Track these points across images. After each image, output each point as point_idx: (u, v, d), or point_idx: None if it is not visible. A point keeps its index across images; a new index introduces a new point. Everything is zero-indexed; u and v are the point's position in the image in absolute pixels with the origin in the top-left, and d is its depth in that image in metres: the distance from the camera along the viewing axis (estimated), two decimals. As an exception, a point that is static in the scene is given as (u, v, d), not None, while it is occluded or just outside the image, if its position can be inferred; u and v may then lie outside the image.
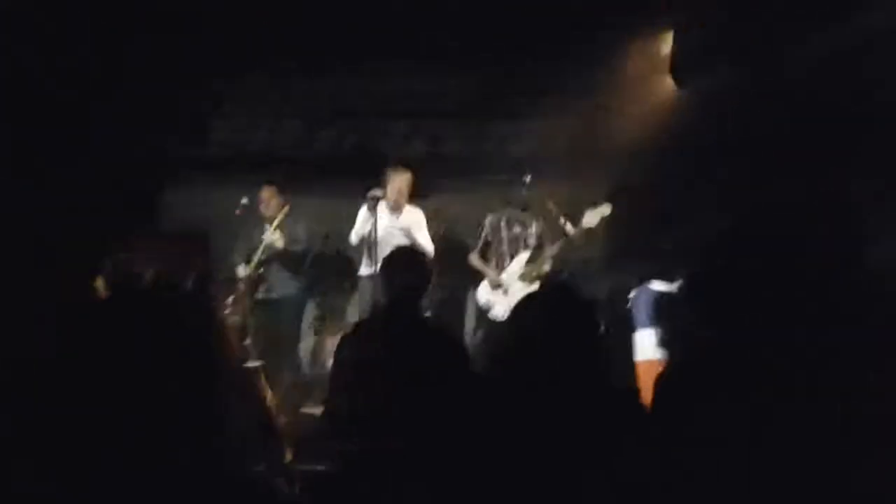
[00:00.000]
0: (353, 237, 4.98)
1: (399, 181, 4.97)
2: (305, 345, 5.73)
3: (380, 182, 4.92)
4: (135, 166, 5.48)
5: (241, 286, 5.21)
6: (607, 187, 5.46)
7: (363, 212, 4.86)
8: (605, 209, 4.86)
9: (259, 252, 5.22)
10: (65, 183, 4.62)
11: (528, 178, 5.07)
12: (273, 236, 5.17)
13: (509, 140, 6.54)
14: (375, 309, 3.93)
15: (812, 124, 4.00)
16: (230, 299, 5.05)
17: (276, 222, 5.21)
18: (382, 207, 4.81)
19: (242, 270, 5.26)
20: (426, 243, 4.94)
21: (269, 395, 3.98)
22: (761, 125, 4.46)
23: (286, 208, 5.26)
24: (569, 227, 4.84)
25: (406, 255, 2.98)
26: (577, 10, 5.02)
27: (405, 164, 5.13)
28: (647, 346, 4.15)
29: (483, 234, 5.24)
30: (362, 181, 5.00)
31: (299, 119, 6.29)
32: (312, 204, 5.65)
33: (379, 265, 3.05)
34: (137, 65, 5.25)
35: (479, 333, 5.29)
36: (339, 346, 2.82)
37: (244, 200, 5.31)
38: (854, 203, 1.29)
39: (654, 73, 5.39)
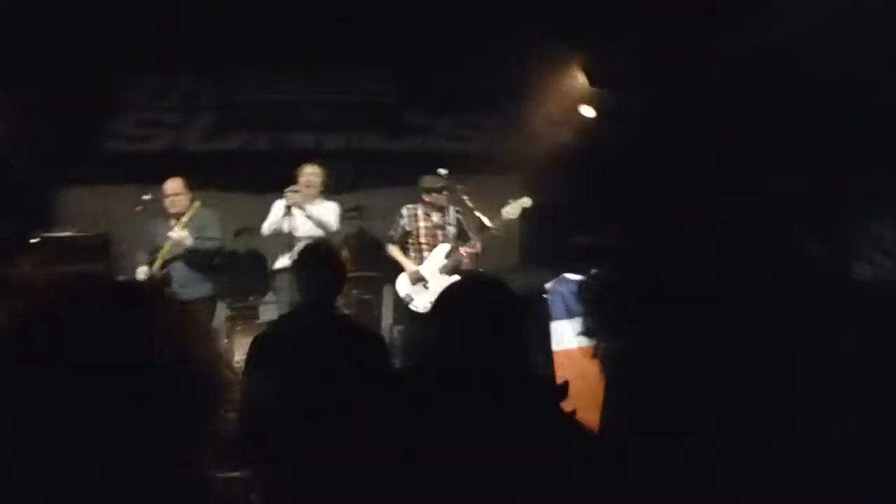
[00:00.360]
0: (266, 228, 4.86)
1: (310, 174, 4.85)
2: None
3: (294, 180, 4.80)
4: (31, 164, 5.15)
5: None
6: (521, 185, 5.56)
7: (277, 204, 4.77)
8: (526, 201, 4.89)
9: (164, 250, 4.83)
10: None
11: (443, 172, 5.00)
12: (181, 234, 4.79)
13: (426, 135, 6.55)
14: (291, 307, 3.79)
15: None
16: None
17: (184, 219, 4.82)
18: (296, 200, 4.73)
19: (144, 272, 4.86)
20: (333, 227, 4.88)
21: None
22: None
23: (196, 204, 4.92)
24: (486, 221, 4.83)
25: (321, 250, 2.85)
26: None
27: (317, 159, 5.03)
28: (565, 336, 4.20)
29: (401, 225, 5.08)
30: (273, 177, 4.87)
31: (209, 113, 6.08)
32: (222, 200, 5.41)
33: (293, 260, 2.94)
34: (41, 57, 4.94)
35: (399, 327, 5.20)
36: (253, 348, 2.69)
37: (146, 196, 4.96)
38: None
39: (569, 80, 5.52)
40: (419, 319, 4.75)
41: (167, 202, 4.93)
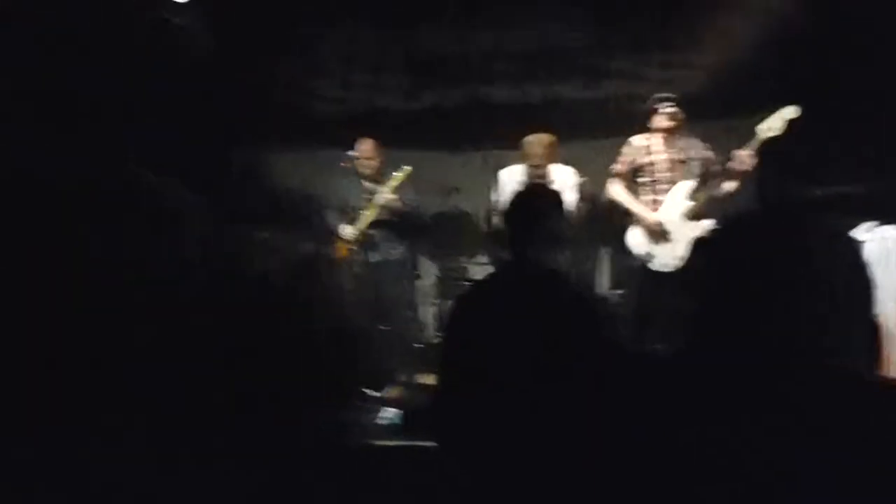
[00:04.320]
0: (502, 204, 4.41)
1: (537, 145, 4.55)
2: (425, 310, 5.40)
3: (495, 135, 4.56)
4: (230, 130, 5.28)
5: (344, 248, 4.89)
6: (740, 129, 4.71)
7: (506, 174, 4.63)
8: (790, 112, 3.83)
9: (370, 212, 4.87)
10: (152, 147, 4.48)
11: (666, 97, 4.24)
12: (389, 196, 4.82)
13: (630, 80, 5.94)
14: (501, 264, 3.48)
15: None
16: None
17: (393, 182, 4.83)
18: (521, 172, 4.57)
19: (349, 231, 4.92)
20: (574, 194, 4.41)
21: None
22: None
23: (407, 169, 4.86)
24: (736, 156, 3.87)
25: (535, 197, 2.48)
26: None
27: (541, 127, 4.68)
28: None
29: (629, 157, 4.30)
30: (474, 136, 4.66)
31: (402, 73, 5.93)
32: (422, 159, 5.23)
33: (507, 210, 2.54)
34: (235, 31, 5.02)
35: (620, 292, 4.56)
36: (457, 306, 2.38)
37: (351, 152, 4.98)
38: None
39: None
40: (663, 281, 4.03)
41: (360, 164, 4.94)
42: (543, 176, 4.47)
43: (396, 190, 4.83)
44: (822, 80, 4.49)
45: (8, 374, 0.91)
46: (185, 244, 1.29)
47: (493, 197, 4.60)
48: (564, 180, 4.43)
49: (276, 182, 5.50)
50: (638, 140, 4.30)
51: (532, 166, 4.51)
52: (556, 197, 2.52)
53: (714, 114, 4.91)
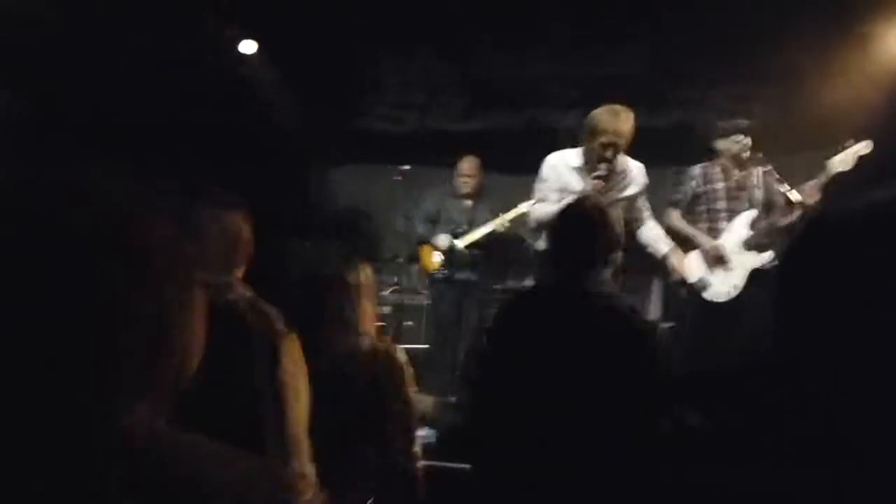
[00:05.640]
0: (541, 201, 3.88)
1: (611, 118, 3.52)
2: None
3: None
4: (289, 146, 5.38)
5: (433, 258, 4.80)
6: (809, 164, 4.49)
7: (556, 159, 3.75)
8: (864, 147, 3.68)
9: (481, 232, 4.77)
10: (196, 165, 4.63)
11: (741, 124, 4.07)
12: (505, 224, 4.70)
13: (692, 108, 5.81)
14: (542, 279, 3.31)
15: None
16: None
17: (512, 214, 4.69)
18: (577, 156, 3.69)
19: (446, 241, 4.81)
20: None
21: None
22: None
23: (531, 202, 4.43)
24: (793, 194, 3.71)
25: (581, 211, 2.21)
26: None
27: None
28: None
29: (690, 186, 4.12)
30: (523, 157, 4.58)
31: (462, 96, 5.94)
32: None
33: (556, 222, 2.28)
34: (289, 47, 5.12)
35: (670, 325, 4.38)
36: (494, 322, 2.25)
37: (405, 167, 5.09)
38: None
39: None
40: (715, 312, 3.87)
41: (461, 181, 4.89)
42: (613, 168, 3.52)
43: (515, 220, 4.69)
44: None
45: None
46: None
47: (537, 189, 3.74)
48: (638, 178, 3.70)
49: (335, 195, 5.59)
50: (697, 169, 4.18)
51: (603, 146, 3.42)
52: (602, 208, 2.18)
53: (783, 146, 4.76)
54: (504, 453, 2.01)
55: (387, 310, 5.09)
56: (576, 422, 1.84)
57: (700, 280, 3.93)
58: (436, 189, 5.00)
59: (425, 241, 4.87)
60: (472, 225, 4.83)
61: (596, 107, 3.55)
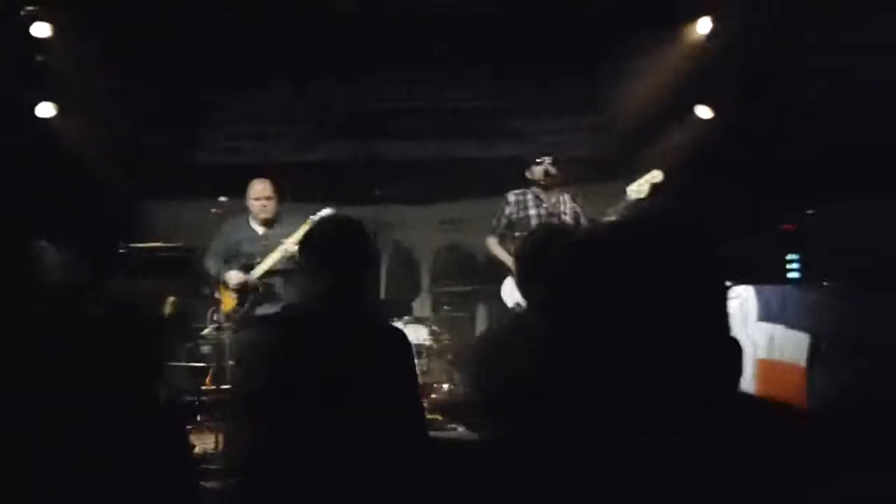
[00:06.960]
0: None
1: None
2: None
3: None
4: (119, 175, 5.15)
5: (232, 297, 4.41)
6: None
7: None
8: (656, 175, 4.05)
9: (272, 260, 4.33)
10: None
11: (549, 158, 4.38)
12: (289, 251, 4.21)
13: (525, 141, 6.13)
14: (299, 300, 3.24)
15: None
16: (213, 314, 4.47)
17: (296, 237, 4.11)
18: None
19: (237, 277, 4.39)
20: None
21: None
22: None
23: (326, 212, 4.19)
24: (605, 214, 4.00)
25: (338, 226, 2.15)
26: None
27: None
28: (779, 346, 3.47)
29: (505, 213, 4.38)
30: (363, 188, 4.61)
31: (300, 124, 5.93)
32: (312, 212, 5.17)
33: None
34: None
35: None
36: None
37: (222, 198, 4.55)
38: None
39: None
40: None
41: (256, 205, 4.46)
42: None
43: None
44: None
45: None
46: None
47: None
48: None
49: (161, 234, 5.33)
50: (511, 196, 4.41)
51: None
52: (357, 224, 2.11)
53: (595, 175, 5.14)
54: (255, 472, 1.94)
55: (207, 349, 4.62)
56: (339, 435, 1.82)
57: (516, 304, 4.00)
58: (237, 219, 4.59)
59: (219, 280, 4.49)
60: (265, 254, 4.41)
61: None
